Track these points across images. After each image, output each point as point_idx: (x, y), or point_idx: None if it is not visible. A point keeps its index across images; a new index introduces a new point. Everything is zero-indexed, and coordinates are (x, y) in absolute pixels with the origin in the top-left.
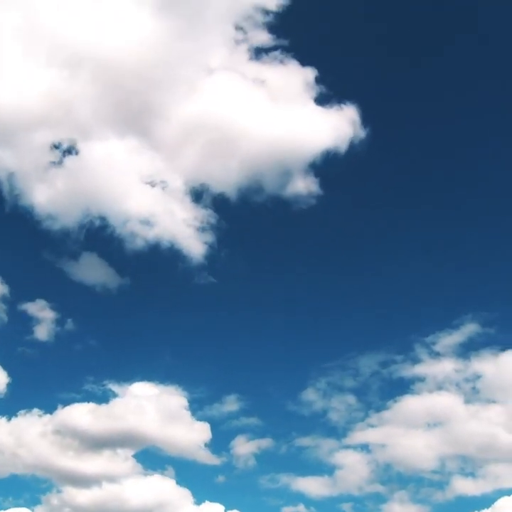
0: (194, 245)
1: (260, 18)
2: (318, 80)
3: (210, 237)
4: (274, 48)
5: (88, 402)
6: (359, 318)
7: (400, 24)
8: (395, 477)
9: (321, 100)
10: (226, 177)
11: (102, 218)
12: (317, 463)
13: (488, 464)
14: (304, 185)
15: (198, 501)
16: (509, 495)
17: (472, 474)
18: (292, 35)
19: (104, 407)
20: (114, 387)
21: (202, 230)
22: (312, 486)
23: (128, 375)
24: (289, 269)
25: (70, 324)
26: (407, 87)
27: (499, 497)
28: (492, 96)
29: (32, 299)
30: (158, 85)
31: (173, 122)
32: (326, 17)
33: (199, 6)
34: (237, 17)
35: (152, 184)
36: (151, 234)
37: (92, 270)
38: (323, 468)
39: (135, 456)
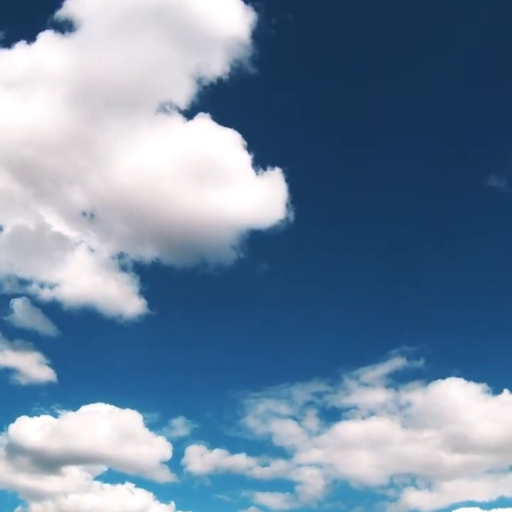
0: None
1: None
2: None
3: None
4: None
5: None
6: (289, 352)
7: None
8: (350, 493)
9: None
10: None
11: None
12: (275, 480)
13: (437, 480)
14: (230, 254)
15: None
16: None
17: (425, 489)
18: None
19: (58, 426)
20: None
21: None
22: (272, 501)
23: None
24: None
25: None
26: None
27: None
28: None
29: None
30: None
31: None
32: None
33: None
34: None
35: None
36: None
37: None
38: (282, 485)
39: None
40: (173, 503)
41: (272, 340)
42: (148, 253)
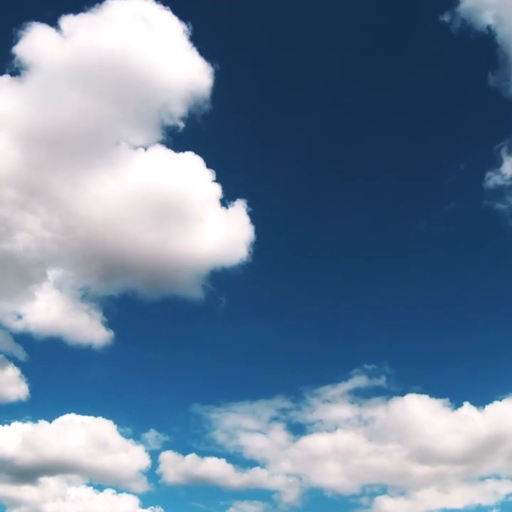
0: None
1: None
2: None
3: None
4: None
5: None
6: (251, 371)
7: None
8: (325, 502)
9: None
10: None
11: None
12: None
13: (409, 489)
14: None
15: None
16: None
17: (399, 496)
18: None
19: (35, 436)
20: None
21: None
22: (249, 508)
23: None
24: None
25: None
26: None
27: None
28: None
29: None
30: None
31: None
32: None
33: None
34: None
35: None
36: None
37: None
38: (258, 494)
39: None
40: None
41: (234, 361)
42: (112, 287)
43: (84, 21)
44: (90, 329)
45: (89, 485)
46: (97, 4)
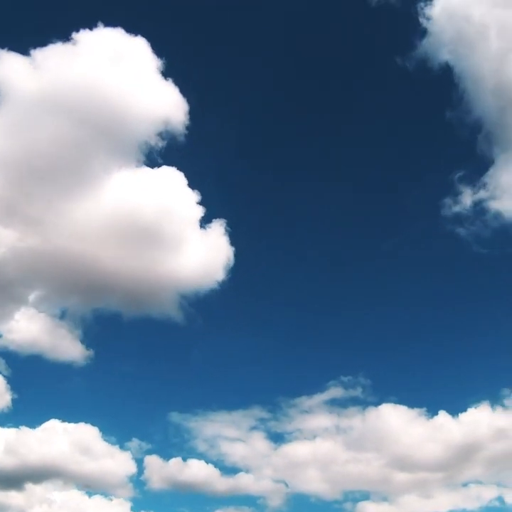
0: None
1: None
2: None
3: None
4: None
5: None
6: (229, 383)
7: None
8: (309, 507)
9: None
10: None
11: None
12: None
13: (391, 495)
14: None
15: None
16: None
17: (382, 502)
18: None
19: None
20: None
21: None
22: None
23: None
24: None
25: None
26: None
27: None
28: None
29: None
30: None
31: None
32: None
33: None
34: None
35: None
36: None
37: None
38: (242, 500)
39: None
40: None
41: (211, 373)
42: (91, 307)
43: (57, 52)
44: (70, 347)
45: (78, 490)
46: (71, 35)
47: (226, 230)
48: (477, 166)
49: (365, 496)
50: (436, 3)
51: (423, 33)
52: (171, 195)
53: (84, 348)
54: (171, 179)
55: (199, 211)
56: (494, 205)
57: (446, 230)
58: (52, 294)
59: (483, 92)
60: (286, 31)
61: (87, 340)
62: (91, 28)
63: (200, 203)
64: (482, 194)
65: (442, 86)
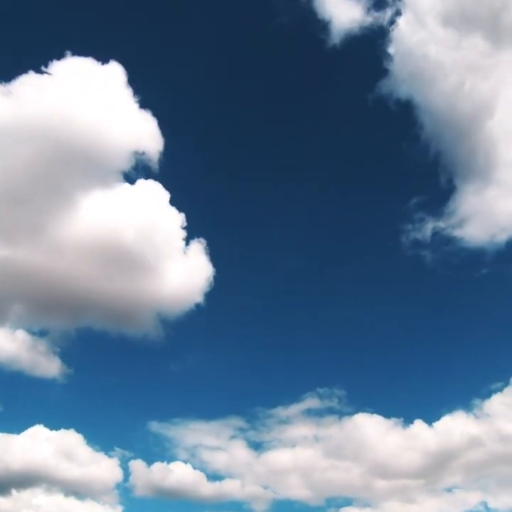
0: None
1: None
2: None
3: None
4: None
5: None
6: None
7: None
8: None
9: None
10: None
11: None
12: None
13: (373, 502)
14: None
15: None
16: None
17: (366, 507)
18: None
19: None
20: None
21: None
22: None
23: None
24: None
25: None
26: None
27: None
28: None
29: None
30: None
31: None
32: None
33: None
34: None
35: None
36: None
37: None
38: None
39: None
40: None
41: (189, 385)
42: (72, 325)
43: (31, 82)
44: (50, 365)
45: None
46: (47, 64)
47: (206, 250)
48: (438, 195)
49: (348, 502)
50: (395, 44)
51: (384, 71)
52: (150, 214)
53: (64, 365)
54: (151, 198)
55: (180, 231)
56: (454, 233)
57: (408, 254)
58: (33, 312)
59: (439, 124)
60: (261, 65)
61: (67, 357)
62: (64, 57)
63: (181, 224)
64: (442, 223)
65: (403, 119)
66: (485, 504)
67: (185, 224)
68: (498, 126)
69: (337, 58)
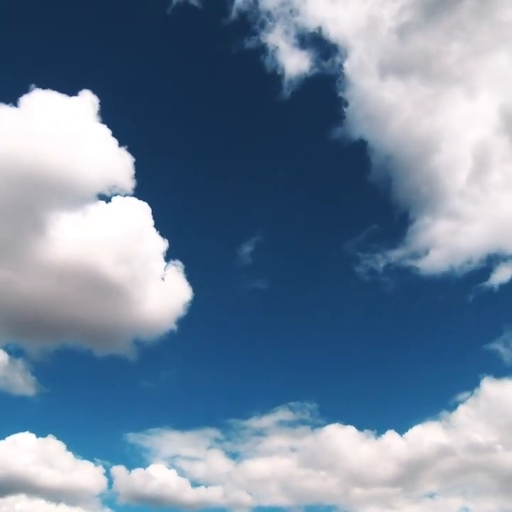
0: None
1: None
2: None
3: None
4: None
5: None
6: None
7: None
8: None
9: None
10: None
11: None
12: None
13: (355, 508)
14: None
15: None
16: None
17: None
18: None
19: None
20: None
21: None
22: None
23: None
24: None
25: None
26: None
27: None
28: None
29: None
30: None
31: None
32: None
33: None
34: None
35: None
36: None
37: None
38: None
39: None
40: None
41: (163, 398)
42: (48, 346)
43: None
44: (26, 385)
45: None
46: (20, 97)
47: (185, 272)
48: (391, 227)
49: (328, 510)
50: (352, 89)
51: (342, 114)
52: (129, 236)
53: (40, 385)
54: (130, 219)
55: (158, 254)
56: (409, 263)
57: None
58: (10, 332)
59: (390, 161)
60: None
61: (43, 377)
62: (33, 90)
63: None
64: (397, 252)
65: (358, 156)
66: (466, 510)
67: (166, 247)
68: (444, 159)
69: (300, 104)
